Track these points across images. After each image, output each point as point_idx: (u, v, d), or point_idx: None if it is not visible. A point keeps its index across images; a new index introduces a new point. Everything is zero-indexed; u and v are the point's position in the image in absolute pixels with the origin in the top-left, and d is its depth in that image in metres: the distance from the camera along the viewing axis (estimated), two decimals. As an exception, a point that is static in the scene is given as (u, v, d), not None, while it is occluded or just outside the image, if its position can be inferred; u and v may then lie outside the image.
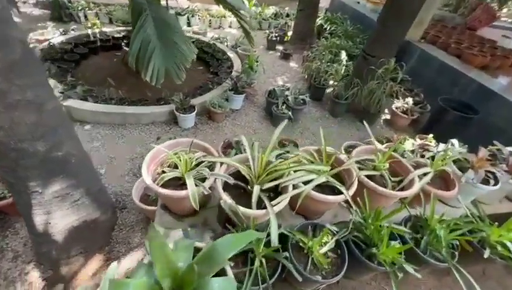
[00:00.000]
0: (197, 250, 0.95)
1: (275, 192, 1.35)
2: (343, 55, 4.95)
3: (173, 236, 1.37)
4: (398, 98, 4.22)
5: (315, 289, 1.40)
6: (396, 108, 4.04)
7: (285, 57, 5.99)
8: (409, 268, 1.17)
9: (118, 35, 5.25)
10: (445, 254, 1.29)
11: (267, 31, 6.63)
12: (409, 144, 2.90)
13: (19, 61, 1.28)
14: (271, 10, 8.11)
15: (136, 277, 0.78)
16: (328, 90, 4.53)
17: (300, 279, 1.08)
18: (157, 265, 0.71)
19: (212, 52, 5.27)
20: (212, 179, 1.25)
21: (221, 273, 0.93)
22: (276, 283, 1.14)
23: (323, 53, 4.82)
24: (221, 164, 1.32)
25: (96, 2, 6.80)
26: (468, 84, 4.02)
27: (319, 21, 7.01)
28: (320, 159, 1.45)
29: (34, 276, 1.93)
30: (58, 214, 1.79)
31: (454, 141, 2.29)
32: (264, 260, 1.13)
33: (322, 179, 1.33)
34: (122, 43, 5.12)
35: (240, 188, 1.34)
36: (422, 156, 2.26)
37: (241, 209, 1.14)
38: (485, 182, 1.63)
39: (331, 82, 4.56)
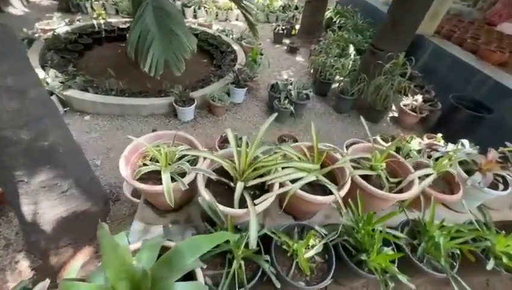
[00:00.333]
0: (166, 250, 0.88)
1: (262, 189, 1.27)
2: (351, 49, 4.77)
3: (153, 232, 1.32)
4: (407, 95, 4.04)
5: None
6: (405, 105, 3.86)
7: (292, 50, 5.84)
8: (402, 278, 1.08)
9: (123, 26, 5.22)
10: (444, 263, 1.19)
11: (274, 24, 6.47)
12: (416, 143, 2.76)
13: (-3, 46, 1.24)
14: (279, 3, 7.91)
15: (93, 280, 0.72)
16: (334, 86, 4.38)
17: (278, 285, 1.00)
18: (109, 268, 0.64)
19: (217, 44, 5.18)
20: (192, 174, 1.17)
21: (192, 276, 0.87)
22: (256, 287, 1.07)
23: (330, 47, 4.65)
24: (204, 158, 1.24)
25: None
26: (483, 82, 3.80)
27: (328, 14, 6.79)
28: (312, 156, 1.35)
29: (24, 265, 1.93)
30: (45, 205, 1.77)
31: (465, 141, 2.15)
32: (243, 263, 1.05)
33: (312, 178, 1.24)
34: (127, 34, 5.08)
35: (224, 184, 1.26)
36: (430, 156, 2.13)
37: (220, 207, 1.06)
38: (494, 186, 1.50)
39: (337, 77, 4.40)
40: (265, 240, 1.18)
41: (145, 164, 1.28)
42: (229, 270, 1.03)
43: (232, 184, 1.20)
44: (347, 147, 2.78)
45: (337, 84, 4.23)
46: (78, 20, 5.14)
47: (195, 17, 6.96)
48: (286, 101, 3.55)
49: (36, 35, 4.28)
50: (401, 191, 1.38)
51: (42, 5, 6.45)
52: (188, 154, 1.28)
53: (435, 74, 4.59)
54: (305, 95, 3.73)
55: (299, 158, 1.29)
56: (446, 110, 3.77)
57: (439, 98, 4.06)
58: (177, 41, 3.12)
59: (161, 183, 1.16)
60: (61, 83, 3.28)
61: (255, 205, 1.10)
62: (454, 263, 1.23)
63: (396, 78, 3.47)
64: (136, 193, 2.30)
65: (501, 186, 1.49)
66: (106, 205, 2.28)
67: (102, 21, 5.17)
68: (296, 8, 7.85)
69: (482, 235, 1.29)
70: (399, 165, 1.49)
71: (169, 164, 1.25)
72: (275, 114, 1.36)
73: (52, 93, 3.05)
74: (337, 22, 6.35)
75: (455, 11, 7.01)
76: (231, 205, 1.13)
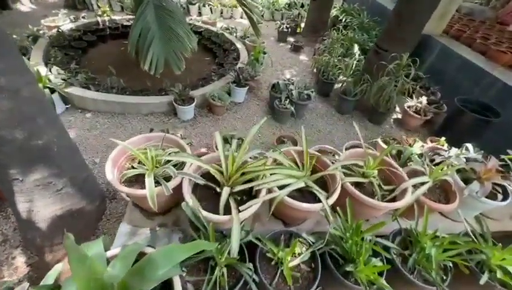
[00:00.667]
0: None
1: (250, 195, 1.25)
2: (356, 48, 4.68)
3: (141, 235, 1.32)
4: (411, 97, 3.94)
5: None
6: (409, 107, 3.77)
7: (296, 49, 5.77)
8: (389, 290, 1.05)
9: (126, 23, 5.23)
10: (435, 276, 1.15)
11: (279, 22, 6.39)
12: (418, 146, 2.69)
13: (-12, 46, 1.24)
14: (285, 0, 7.82)
15: (66, 288, 0.71)
16: (337, 86, 4.31)
17: (258, 295, 0.98)
18: (77, 280, 0.63)
19: (220, 42, 5.16)
20: (178, 179, 1.16)
21: (170, 284, 0.86)
22: (239, 294, 1.06)
23: (335, 46, 4.57)
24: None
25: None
26: (491, 84, 3.68)
27: (334, 12, 6.67)
28: (301, 162, 1.33)
29: (20, 261, 1.96)
30: (40, 203, 1.79)
31: (469, 146, 2.09)
32: (225, 270, 1.04)
33: (301, 184, 1.22)
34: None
35: (212, 188, 1.25)
36: (432, 161, 2.08)
37: (203, 213, 1.05)
38: (493, 196, 1.44)
39: (340, 77, 4.33)
40: (251, 247, 1.17)
41: (133, 167, 1.27)
42: (210, 277, 1.02)
43: (218, 189, 1.18)
44: (347, 150, 2.76)
45: (340, 85, 4.16)
46: (83, 17, 5.18)
47: (200, 14, 6.93)
48: (287, 102, 3.51)
49: (41, 32, 4.32)
50: (394, 199, 1.35)
51: (49, 2, 6.52)
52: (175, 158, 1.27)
53: (442, 75, 4.47)
54: (306, 95, 3.67)
55: (289, 164, 1.27)
56: (452, 113, 3.66)
57: (445, 100, 3.95)
58: (177, 40, 3.12)
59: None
60: (63, 80, 3.31)
61: (239, 211, 1.08)
62: (446, 276, 1.19)
63: (400, 80, 3.39)
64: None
65: (500, 196, 1.44)
66: (102, 203, 2.29)
67: (106, 18, 5.20)
68: (302, 5, 7.74)
69: (477, 247, 1.24)
70: (393, 172, 1.45)
71: (157, 167, 1.24)
72: (265, 118, 1.33)
73: (53, 91, 3.08)
74: (343, 20, 6.24)
75: (466, 10, 6.81)
76: (217, 211, 1.12)
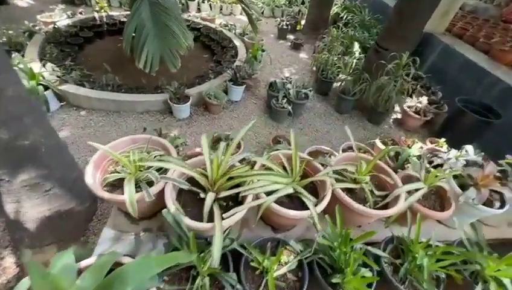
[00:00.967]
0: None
1: (236, 201, 1.21)
2: (356, 47, 4.60)
3: (125, 241, 1.28)
4: (411, 96, 3.87)
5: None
6: (408, 107, 3.71)
7: (296, 47, 5.69)
8: (378, 302, 1.01)
9: (124, 19, 5.15)
10: (427, 287, 1.11)
11: (279, 19, 6.30)
12: (417, 148, 2.64)
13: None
14: (286, -4, 7.71)
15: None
16: (336, 85, 4.24)
17: (240, 308, 0.95)
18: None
19: (218, 39, 5.09)
20: (161, 184, 1.12)
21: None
22: (222, 304, 1.02)
23: (334, 44, 4.49)
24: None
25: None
26: (493, 84, 3.60)
27: (335, 9, 6.57)
28: (291, 167, 1.28)
29: (9, 261, 1.94)
30: (28, 204, 1.76)
31: (469, 148, 2.03)
32: (208, 280, 1.00)
33: (289, 190, 1.17)
34: (128, 28, 5.03)
35: (198, 193, 1.21)
36: (430, 163, 2.03)
37: (185, 221, 1.01)
38: (490, 203, 1.39)
39: (340, 76, 4.26)
40: (236, 254, 1.13)
41: (117, 171, 1.23)
42: (192, 287, 0.98)
43: (202, 195, 1.14)
44: (344, 151, 2.71)
45: (339, 84, 4.09)
46: (81, 13, 5.12)
47: (199, 10, 6.85)
48: (284, 101, 3.45)
49: (37, 28, 4.27)
50: (387, 205, 1.30)
51: (47, -3, 6.45)
52: (160, 160, 1.23)
53: (443, 74, 4.39)
54: (304, 94, 3.62)
55: (277, 170, 1.22)
56: (452, 113, 3.60)
57: (446, 100, 3.88)
58: (172, 37, 3.06)
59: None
60: (57, 77, 3.27)
61: (223, 219, 1.04)
62: (438, 287, 1.15)
63: (399, 79, 3.32)
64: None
65: (497, 204, 1.39)
66: (93, 204, 2.26)
67: (104, 14, 5.14)
68: (303, 2, 7.63)
69: (471, 256, 1.20)
70: (387, 177, 1.40)
71: (141, 170, 1.20)
72: (253, 121, 1.29)
73: (47, 88, 3.04)
74: (344, 17, 6.14)
75: (470, 8, 6.68)
76: (202, 217, 1.08)
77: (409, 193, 1.34)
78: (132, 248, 1.21)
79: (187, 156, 1.90)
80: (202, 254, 1.04)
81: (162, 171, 1.21)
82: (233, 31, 5.45)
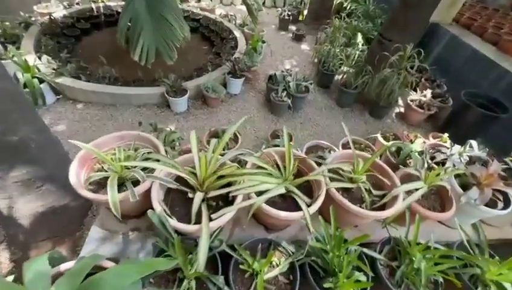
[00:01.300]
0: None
1: (227, 201, 1.17)
2: (359, 38, 4.46)
3: (112, 241, 1.25)
4: (415, 90, 3.77)
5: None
6: (412, 101, 3.60)
7: (298, 38, 5.55)
8: (371, 308, 0.97)
9: (121, 9, 5.05)
10: (424, 291, 1.06)
11: (280, 9, 6.14)
12: (419, 143, 2.56)
13: None
14: (288, -14, 7.48)
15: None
16: (338, 77, 4.14)
17: (226, 313, 0.91)
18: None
19: (217, 30, 4.97)
20: (147, 183, 1.08)
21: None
22: (210, 308, 0.99)
23: (336, 35, 4.36)
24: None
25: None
26: (500, 77, 3.47)
27: (339, -1, 6.36)
28: (284, 165, 1.22)
29: (4, 257, 1.93)
30: (20, 200, 1.74)
31: (473, 143, 1.96)
32: (194, 283, 0.97)
33: (281, 190, 1.12)
34: (126, 19, 4.93)
35: (186, 192, 1.16)
36: (432, 158, 1.96)
37: (171, 222, 0.97)
38: (493, 203, 1.33)
39: (342, 68, 4.14)
40: (226, 256, 1.09)
41: (104, 169, 1.19)
42: (178, 291, 0.95)
43: (190, 195, 1.09)
44: (343, 146, 2.64)
45: (341, 76, 3.98)
46: (78, 4, 5.01)
47: (198, 0, 6.68)
48: (284, 94, 3.37)
49: (33, 19, 4.20)
50: (385, 205, 1.25)
51: (45, -13, 6.33)
52: (147, 158, 1.18)
53: (449, 66, 4.25)
54: (304, 87, 3.53)
55: (269, 168, 1.17)
56: (457, 107, 3.49)
57: (451, 94, 3.76)
58: (168, 28, 2.97)
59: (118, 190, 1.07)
60: (53, 70, 3.21)
61: (211, 220, 1.00)
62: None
63: (403, 72, 3.21)
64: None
65: (501, 204, 1.33)
66: (88, 199, 2.24)
67: (101, 4, 5.03)
68: (306, -9, 7.41)
69: (471, 259, 1.15)
70: (385, 176, 1.34)
71: (128, 169, 1.16)
72: (245, 116, 1.23)
73: (42, 81, 2.99)
74: (348, 7, 5.95)
75: (479, -3, 6.43)
76: (190, 218, 1.04)
77: (408, 192, 1.29)
78: (120, 248, 1.18)
79: (182, 151, 1.86)
80: (190, 256, 1.00)
81: (149, 169, 1.16)
82: (234, 22, 5.32)
